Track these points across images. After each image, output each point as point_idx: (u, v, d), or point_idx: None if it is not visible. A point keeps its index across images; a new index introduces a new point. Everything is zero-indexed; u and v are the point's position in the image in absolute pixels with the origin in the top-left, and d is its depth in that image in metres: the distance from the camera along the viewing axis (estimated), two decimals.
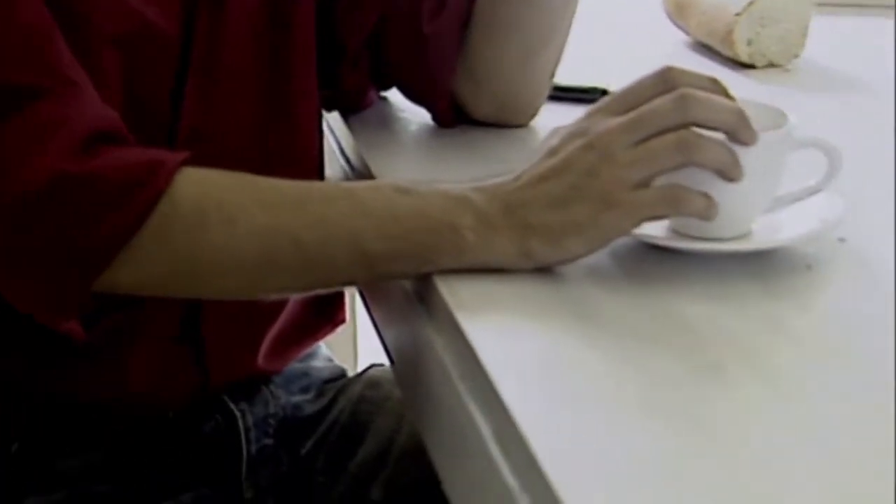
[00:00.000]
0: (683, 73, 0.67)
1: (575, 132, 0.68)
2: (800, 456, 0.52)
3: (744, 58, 1.03)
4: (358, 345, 1.62)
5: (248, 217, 0.67)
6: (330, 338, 0.96)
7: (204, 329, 0.82)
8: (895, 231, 0.72)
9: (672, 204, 0.66)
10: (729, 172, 0.66)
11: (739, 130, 0.65)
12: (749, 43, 1.03)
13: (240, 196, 0.68)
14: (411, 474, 0.85)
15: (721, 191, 0.66)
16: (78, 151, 0.66)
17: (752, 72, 1.04)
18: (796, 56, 1.04)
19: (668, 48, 1.09)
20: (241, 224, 0.66)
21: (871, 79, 1.01)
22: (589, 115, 0.68)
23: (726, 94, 0.67)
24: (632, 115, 0.66)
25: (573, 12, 0.86)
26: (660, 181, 0.67)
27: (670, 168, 0.66)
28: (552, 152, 0.68)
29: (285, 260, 0.67)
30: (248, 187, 0.68)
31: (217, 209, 0.66)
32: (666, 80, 0.66)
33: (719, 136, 0.67)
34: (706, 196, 0.66)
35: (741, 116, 0.65)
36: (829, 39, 1.07)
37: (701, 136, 0.65)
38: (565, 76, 0.91)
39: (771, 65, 1.04)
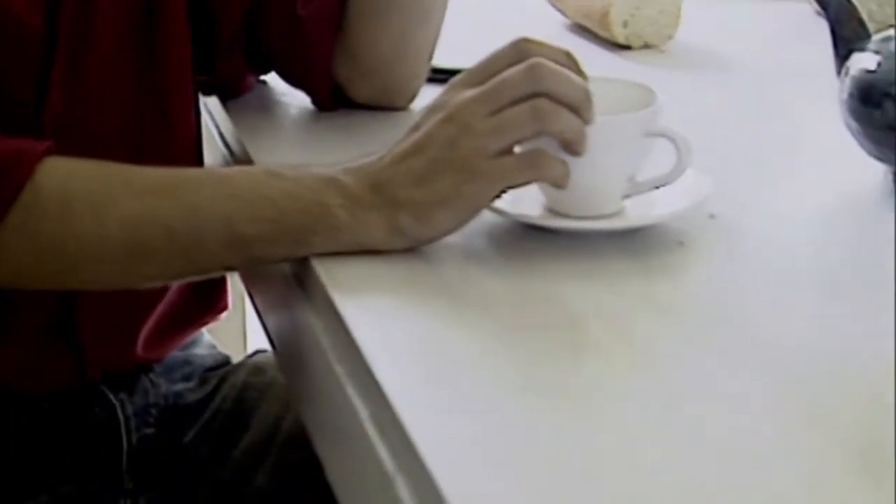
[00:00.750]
0: (537, 44, 0.68)
1: (435, 106, 0.69)
2: (675, 429, 0.53)
3: (620, 39, 1.05)
4: (247, 331, 1.61)
5: (116, 205, 0.66)
6: (218, 324, 0.95)
7: (80, 319, 0.81)
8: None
9: (532, 168, 0.67)
10: (575, 145, 0.67)
11: (582, 108, 0.66)
12: (625, 24, 1.05)
13: (107, 185, 0.67)
14: (297, 460, 0.85)
15: (574, 166, 0.68)
16: None
17: (628, 53, 1.05)
18: (671, 37, 1.06)
19: (547, 30, 1.10)
20: (108, 213, 0.66)
21: (742, 58, 1.03)
22: (448, 90, 0.69)
23: (577, 67, 0.68)
24: (486, 85, 0.67)
25: None
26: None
27: (527, 136, 0.67)
28: (414, 128, 0.69)
29: (156, 247, 0.66)
30: (116, 175, 0.67)
31: (83, 199, 0.65)
32: (520, 51, 0.67)
33: None
34: (564, 163, 0.67)
35: (587, 94, 0.67)
36: (702, 21, 1.09)
37: (554, 105, 0.66)
38: (444, 58, 0.92)
39: (646, 46, 1.05)
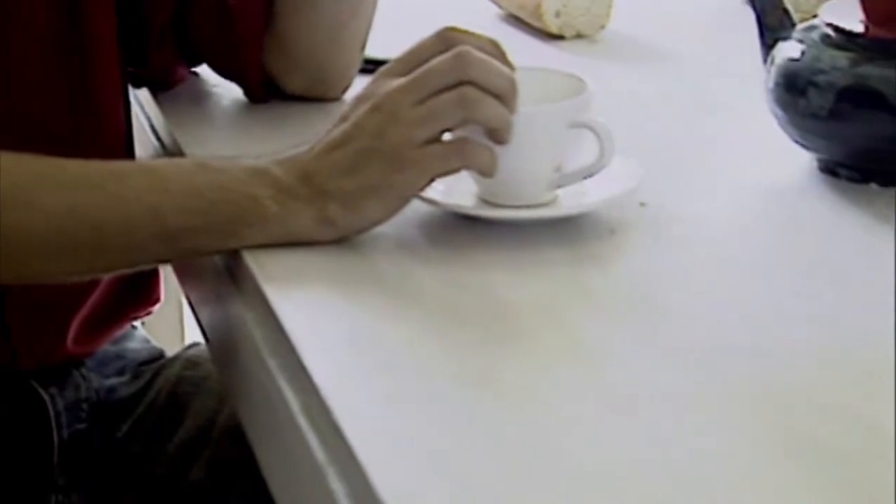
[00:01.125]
0: (463, 33, 0.68)
1: (362, 97, 0.69)
2: (607, 417, 0.53)
3: (553, 29, 1.05)
4: (185, 325, 1.60)
5: (43, 199, 0.65)
6: (155, 318, 0.94)
7: (8, 312, 0.80)
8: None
9: (459, 156, 0.67)
10: (501, 133, 0.67)
11: (508, 96, 0.67)
12: (557, 14, 1.05)
13: (33, 178, 0.66)
14: (233, 453, 0.84)
15: (500, 156, 0.68)
16: None
17: (561, 43, 1.06)
18: (603, 27, 1.06)
19: (481, 21, 1.10)
20: (35, 206, 0.65)
21: (673, 48, 1.04)
22: (375, 80, 0.70)
23: (504, 56, 0.68)
24: (413, 75, 0.67)
25: None
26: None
27: (453, 124, 0.67)
28: (343, 118, 0.69)
29: (84, 241, 0.66)
30: (43, 168, 0.66)
31: (9, 192, 0.65)
32: (446, 40, 0.68)
33: None
34: (492, 151, 0.68)
35: (512, 83, 0.67)
36: (634, 11, 1.10)
37: (481, 93, 0.66)
38: (377, 49, 0.91)
39: (579, 36, 1.06)
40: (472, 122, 0.67)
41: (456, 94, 0.66)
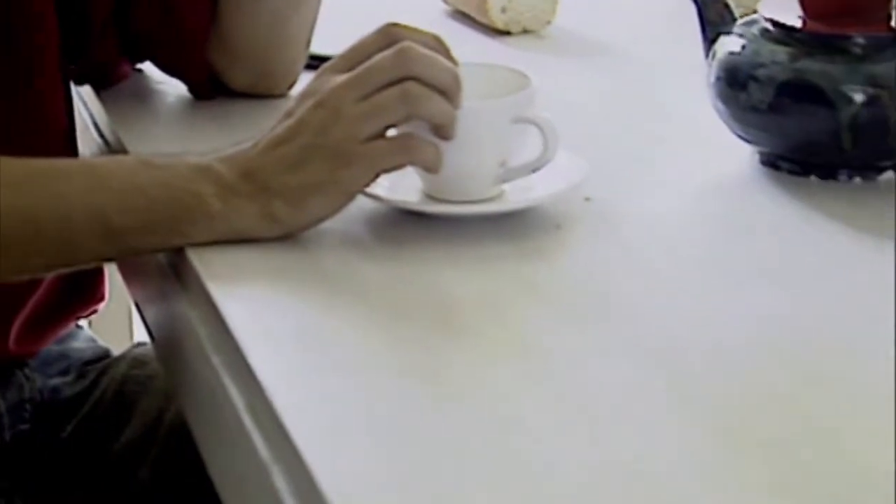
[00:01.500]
0: (406, 28, 0.68)
1: (306, 93, 0.69)
2: (551, 412, 0.53)
3: (499, 25, 1.06)
4: (133, 323, 1.59)
5: None
6: (103, 316, 0.93)
7: None
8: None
9: (404, 151, 0.67)
10: (445, 129, 0.67)
11: (451, 92, 0.67)
12: (503, 10, 1.05)
13: None
14: (180, 452, 0.84)
15: (444, 151, 0.68)
16: None
17: (508, 38, 1.06)
18: (549, 22, 1.07)
19: (428, 17, 1.10)
20: None
21: (618, 43, 1.04)
22: (318, 76, 0.69)
23: (447, 52, 0.69)
24: (356, 71, 0.67)
25: None
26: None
27: (397, 120, 0.67)
28: (287, 115, 0.69)
29: (24, 240, 0.65)
30: None
31: None
32: (388, 36, 0.68)
33: None
34: (436, 146, 0.68)
35: (455, 78, 0.67)
36: (580, 6, 1.11)
37: (424, 89, 0.66)
38: (322, 45, 0.91)
39: (525, 31, 1.06)
40: (415, 118, 0.67)
41: (399, 90, 0.66)
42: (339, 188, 0.67)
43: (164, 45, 0.88)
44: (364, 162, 0.66)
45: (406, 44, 0.67)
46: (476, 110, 0.69)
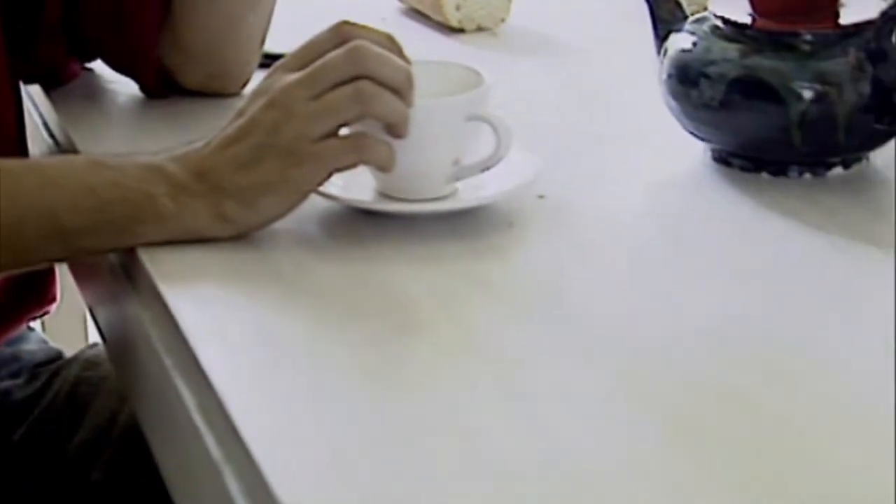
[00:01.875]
0: (358, 27, 0.68)
1: (258, 92, 0.69)
2: (506, 409, 0.53)
3: (453, 22, 1.06)
4: (88, 324, 1.57)
5: None
6: (57, 317, 0.92)
7: None
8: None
9: (356, 150, 0.67)
10: (398, 128, 0.67)
11: (404, 90, 0.67)
12: (458, 8, 1.05)
13: None
14: (133, 455, 0.83)
15: (398, 150, 0.68)
16: None
17: (462, 36, 1.06)
18: (503, 20, 1.07)
19: (382, 13, 1.10)
20: None
21: (572, 40, 1.05)
22: (270, 74, 0.69)
23: (400, 50, 0.68)
24: (308, 69, 0.67)
25: None
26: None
27: (349, 119, 0.67)
28: (239, 114, 0.68)
29: None
30: None
31: None
32: (341, 35, 0.67)
33: None
34: (389, 145, 0.68)
35: (408, 76, 0.67)
36: (534, 3, 1.11)
37: (377, 87, 0.66)
38: (276, 44, 0.91)
39: (480, 29, 1.06)
40: (368, 116, 0.67)
41: (351, 89, 0.66)
42: (291, 187, 0.66)
43: (114, 45, 0.87)
44: (316, 161, 0.66)
45: (358, 42, 0.66)
46: (429, 108, 0.68)
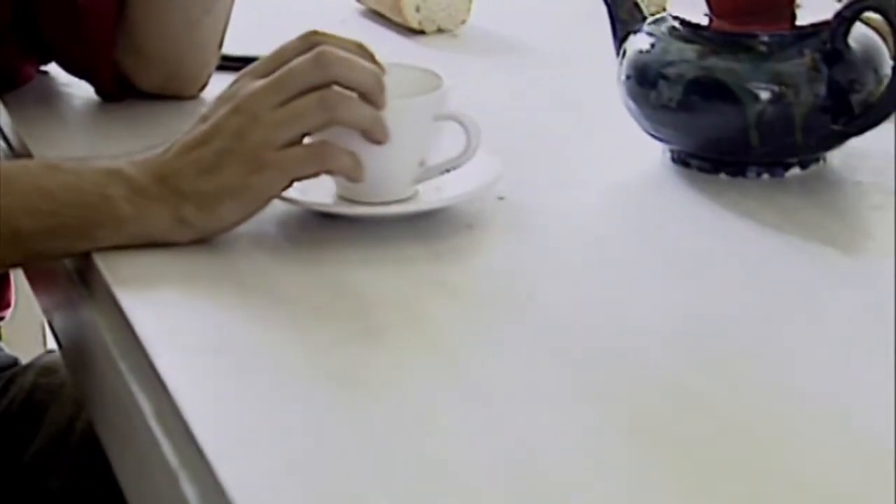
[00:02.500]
0: (327, 36, 0.68)
1: (223, 97, 0.68)
2: (466, 413, 0.53)
3: (414, 24, 1.05)
4: (46, 330, 1.56)
5: None
6: (15, 323, 0.91)
7: None
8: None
9: (319, 160, 0.67)
10: (373, 133, 0.67)
11: (374, 93, 0.66)
12: (417, 9, 1.05)
13: None
14: (91, 462, 0.82)
15: (366, 153, 0.67)
16: None
17: (422, 38, 1.06)
18: (464, 22, 1.07)
19: (341, 15, 1.09)
20: None
21: (533, 42, 1.05)
22: (237, 80, 0.69)
23: (372, 58, 0.68)
24: (274, 75, 0.66)
25: None
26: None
27: (316, 127, 0.66)
28: (203, 119, 0.68)
29: None
30: None
31: None
32: (309, 43, 0.67)
33: None
34: (353, 155, 0.67)
35: (377, 79, 0.67)
36: (494, 4, 1.11)
37: (344, 94, 0.66)
38: (234, 46, 0.90)
39: (440, 30, 1.06)
40: (336, 124, 0.66)
41: (317, 96, 0.65)
42: (253, 194, 0.66)
43: (69, 47, 0.86)
44: (278, 168, 0.66)
45: (324, 48, 0.66)
46: (398, 109, 0.68)
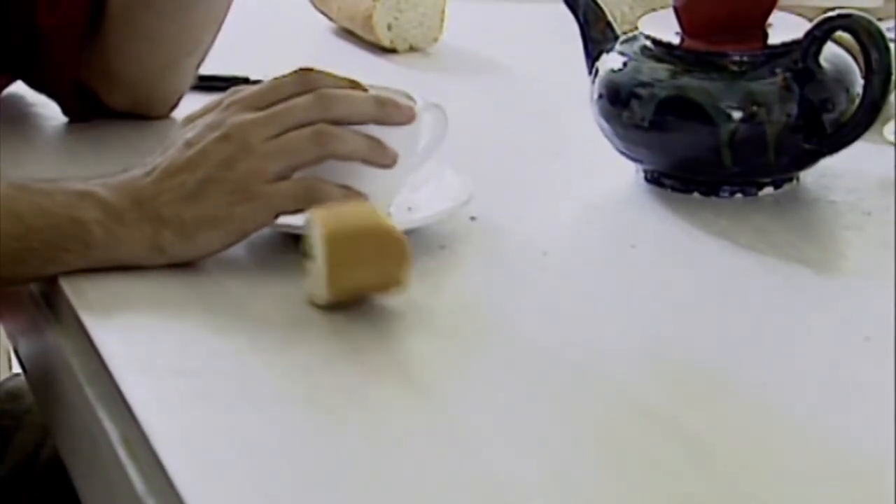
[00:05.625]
0: (323, 74, 0.67)
1: (211, 124, 0.67)
2: (431, 435, 0.53)
3: (385, 42, 1.05)
4: (12, 355, 1.54)
5: None
6: None
7: None
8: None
9: (307, 196, 0.66)
10: (378, 159, 0.66)
11: (386, 115, 0.66)
12: (389, 27, 1.05)
13: None
14: (57, 489, 0.81)
15: (362, 178, 0.67)
16: None
17: (394, 56, 1.05)
18: (436, 40, 1.06)
19: (312, 35, 1.09)
20: None
21: (505, 60, 1.04)
22: (225, 108, 0.68)
23: (366, 93, 0.68)
24: (271, 110, 0.66)
25: (221, 22, 0.84)
26: (301, 176, 0.66)
27: (309, 162, 0.66)
28: (188, 144, 0.67)
29: None
30: None
31: None
32: (304, 82, 0.67)
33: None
34: (345, 188, 0.66)
35: (380, 102, 0.67)
36: (467, 23, 1.10)
37: (338, 128, 0.66)
38: (207, 65, 0.89)
39: (412, 49, 1.06)
40: (332, 158, 0.66)
41: (311, 131, 0.65)
42: (234, 225, 0.65)
43: (33, 67, 0.85)
44: (265, 201, 0.65)
45: (325, 90, 0.66)
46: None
